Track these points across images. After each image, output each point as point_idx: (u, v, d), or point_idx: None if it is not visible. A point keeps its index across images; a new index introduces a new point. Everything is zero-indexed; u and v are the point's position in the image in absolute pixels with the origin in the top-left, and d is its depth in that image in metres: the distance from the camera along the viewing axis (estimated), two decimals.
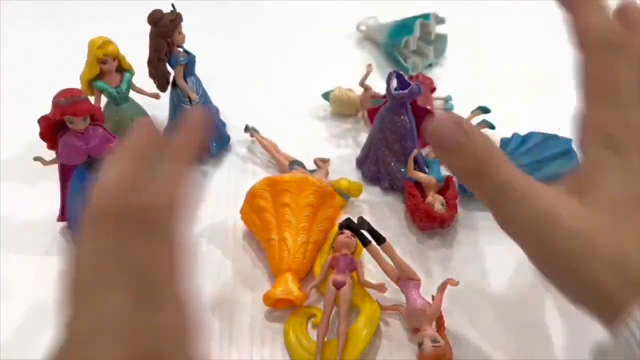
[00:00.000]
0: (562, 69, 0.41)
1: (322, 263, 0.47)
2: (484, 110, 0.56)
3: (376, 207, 0.54)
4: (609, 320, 0.26)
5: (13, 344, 0.44)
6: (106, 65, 0.52)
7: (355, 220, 0.46)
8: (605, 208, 0.27)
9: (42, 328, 0.45)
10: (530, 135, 0.57)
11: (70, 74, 0.51)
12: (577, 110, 0.30)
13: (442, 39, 0.71)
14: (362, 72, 0.60)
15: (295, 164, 0.55)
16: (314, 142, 0.60)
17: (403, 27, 0.69)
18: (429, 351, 0.40)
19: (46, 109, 0.45)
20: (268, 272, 0.48)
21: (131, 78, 0.54)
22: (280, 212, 0.48)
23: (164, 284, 0.24)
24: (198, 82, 0.56)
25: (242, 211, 0.50)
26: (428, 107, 0.59)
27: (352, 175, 0.56)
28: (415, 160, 0.53)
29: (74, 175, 0.48)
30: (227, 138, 0.59)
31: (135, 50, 0.53)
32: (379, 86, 0.59)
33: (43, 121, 0.45)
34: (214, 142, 0.57)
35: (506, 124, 0.57)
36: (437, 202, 0.51)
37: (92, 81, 0.52)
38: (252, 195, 0.49)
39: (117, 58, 0.52)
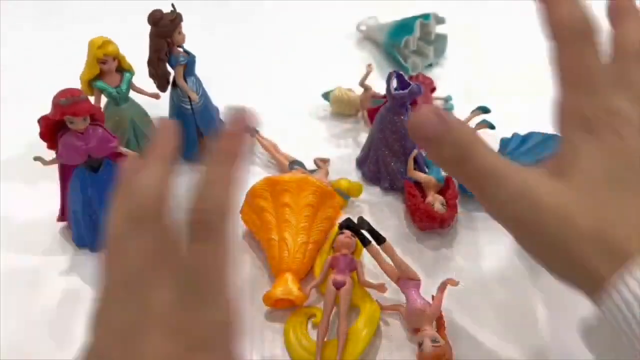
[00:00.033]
0: None
1: (322, 263, 0.47)
2: (484, 110, 0.56)
3: (376, 207, 0.54)
4: (593, 293, 0.27)
5: (13, 344, 0.44)
6: (106, 65, 0.52)
7: (355, 220, 0.46)
8: (584, 186, 0.28)
9: (42, 328, 0.45)
10: (530, 135, 0.57)
11: (70, 74, 0.51)
12: (555, 98, 0.31)
13: (442, 39, 0.70)
14: (362, 72, 0.60)
15: (295, 164, 0.55)
16: (314, 142, 0.60)
17: (403, 27, 0.69)
18: (429, 351, 0.40)
19: (46, 109, 0.45)
20: (268, 272, 0.48)
21: (131, 78, 0.54)
22: (280, 212, 0.48)
23: (214, 283, 0.25)
24: (198, 82, 0.56)
25: (242, 211, 0.50)
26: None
27: (352, 175, 0.56)
28: (415, 160, 0.53)
29: (74, 175, 0.48)
30: None
31: (135, 50, 0.53)
32: (379, 86, 0.59)
33: (43, 121, 0.45)
34: None
35: (506, 124, 0.57)
36: (437, 202, 0.51)
37: (92, 81, 0.52)
38: (252, 195, 0.49)
39: (117, 58, 0.52)
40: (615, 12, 0.33)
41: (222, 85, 0.60)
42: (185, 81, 0.55)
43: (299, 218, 0.48)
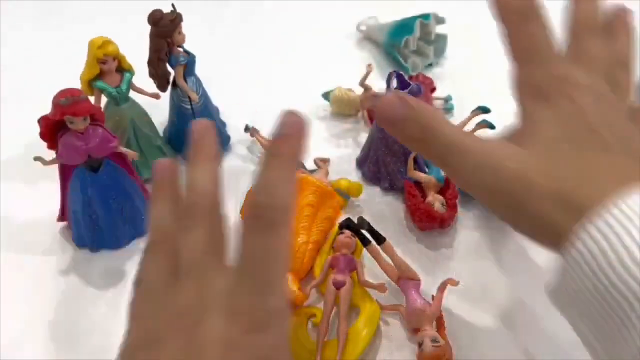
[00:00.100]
0: None
1: (322, 263, 0.47)
2: (484, 110, 0.56)
3: (376, 207, 0.54)
4: (559, 247, 0.28)
5: (13, 344, 0.44)
6: (106, 65, 0.52)
7: (355, 220, 0.46)
8: (542, 149, 0.30)
9: (42, 328, 0.45)
10: None
11: (70, 74, 0.51)
12: (509, 72, 0.34)
13: (442, 39, 0.70)
14: (362, 72, 0.60)
15: None
16: (314, 142, 0.60)
17: (403, 27, 0.69)
18: (429, 351, 0.40)
19: (46, 109, 0.45)
20: None
21: (131, 78, 0.54)
22: None
23: (276, 272, 0.26)
24: (198, 82, 0.56)
25: (242, 211, 0.50)
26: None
27: (352, 175, 0.56)
28: (415, 160, 0.53)
29: (74, 175, 0.48)
30: (227, 138, 0.59)
31: (135, 50, 0.53)
32: (379, 86, 0.59)
33: (43, 121, 0.45)
34: None
35: (506, 124, 0.56)
36: (437, 202, 0.51)
37: (92, 81, 0.52)
38: (252, 196, 0.49)
39: (117, 58, 0.52)
40: None
41: (222, 85, 0.60)
42: (185, 81, 0.55)
43: (299, 218, 0.48)
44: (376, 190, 0.56)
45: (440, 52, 0.71)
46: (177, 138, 0.58)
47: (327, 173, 0.55)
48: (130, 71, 0.54)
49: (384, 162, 0.54)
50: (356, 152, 0.59)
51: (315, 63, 0.71)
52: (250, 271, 0.26)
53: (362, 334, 0.43)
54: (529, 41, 0.33)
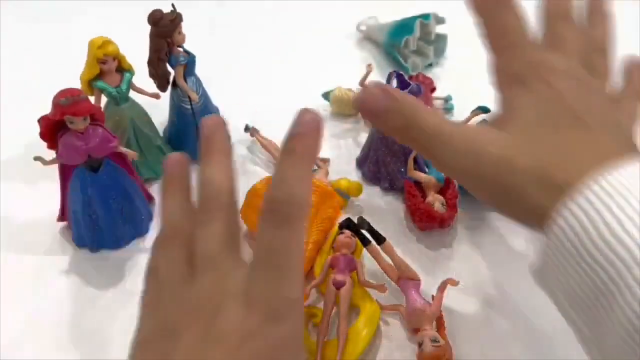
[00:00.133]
0: None
1: (322, 263, 0.47)
2: (484, 110, 0.56)
3: (376, 207, 0.54)
4: (542, 226, 0.28)
5: (13, 344, 0.44)
6: (106, 65, 0.52)
7: (355, 220, 0.46)
8: (522, 132, 0.31)
9: (42, 328, 0.45)
10: None
11: (70, 74, 0.51)
12: (489, 62, 0.34)
13: (442, 39, 0.70)
14: (362, 72, 0.60)
15: None
16: None
17: (403, 27, 0.69)
18: (429, 351, 0.40)
19: (46, 109, 0.45)
20: None
21: (131, 78, 0.54)
22: None
23: (292, 264, 0.27)
24: (198, 82, 0.56)
25: (242, 211, 0.50)
26: (428, 107, 0.59)
27: (352, 175, 0.56)
28: (415, 160, 0.53)
29: (74, 175, 0.48)
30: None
31: (135, 50, 0.53)
32: None
33: (43, 121, 0.45)
34: None
35: None
36: (437, 202, 0.51)
37: (92, 81, 0.52)
38: (252, 195, 0.49)
39: (117, 58, 0.52)
40: None
41: (222, 85, 0.60)
42: (185, 81, 0.55)
43: None
44: (376, 190, 0.56)
45: (440, 52, 0.71)
46: (177, 138, 0.58)
47: (327, 173, 0.55)
48: (130, 71, 0.54)
49: (384, 162, 0.54)
50: (356, 152, 0.59)
51: (315, 63, 0.71)
52: (267, 263, 0.26)
53: (362, 334, 0.43)
54: (504, 30, 0.34)
